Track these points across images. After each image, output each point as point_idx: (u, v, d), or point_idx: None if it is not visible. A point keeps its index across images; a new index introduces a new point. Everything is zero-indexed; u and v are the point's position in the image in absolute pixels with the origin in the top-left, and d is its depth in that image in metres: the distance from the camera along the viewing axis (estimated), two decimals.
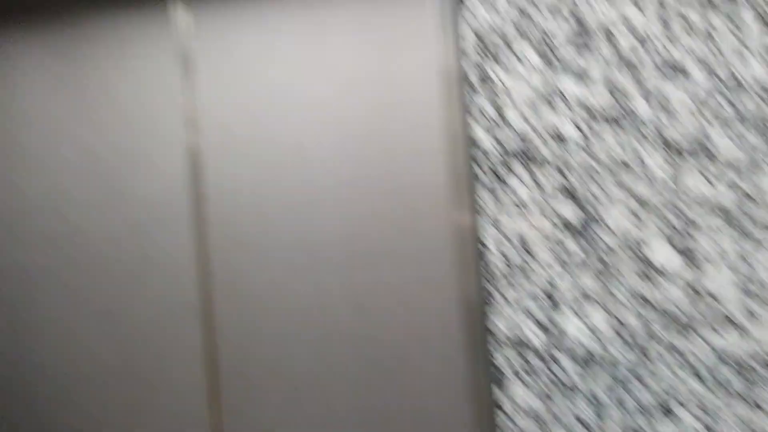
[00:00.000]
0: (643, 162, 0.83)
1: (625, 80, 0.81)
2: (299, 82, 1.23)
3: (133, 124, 1.28)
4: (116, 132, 1.28)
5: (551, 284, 0.88)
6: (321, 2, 1.22)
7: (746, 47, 0.80)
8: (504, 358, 0.92)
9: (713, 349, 0.83)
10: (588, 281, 0.86)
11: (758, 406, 0.82)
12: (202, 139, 1.26)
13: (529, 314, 0.89)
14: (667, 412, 0.85)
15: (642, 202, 0.82)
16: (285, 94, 1.24)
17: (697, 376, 0.84)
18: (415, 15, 1.20)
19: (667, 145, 0.81)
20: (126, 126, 1.28)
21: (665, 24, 0.81)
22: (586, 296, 0.87)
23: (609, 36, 0.81)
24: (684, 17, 0.81)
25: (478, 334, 0.98)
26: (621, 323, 0.86)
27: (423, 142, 1.18)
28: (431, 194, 1.16)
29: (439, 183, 1.15)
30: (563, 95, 0.84)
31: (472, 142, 0.86)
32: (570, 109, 0.84)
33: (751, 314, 0.82)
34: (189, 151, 1.26)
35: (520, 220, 0.88)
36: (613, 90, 0.81)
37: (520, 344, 0.91)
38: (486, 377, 0.97)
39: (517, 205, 0.87)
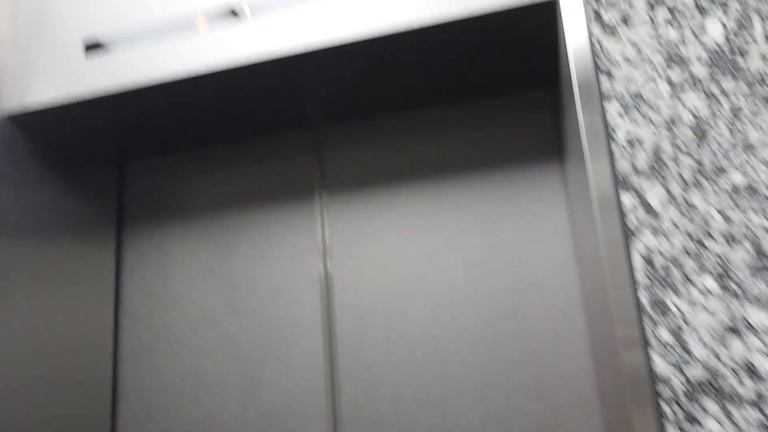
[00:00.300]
0: None
1: None
2: (433, 269, 1.25)
3: (274, 313, 1.32)
4: (257, 320, 1.33)
5: None
6: (455, 199, 1.27)
7: None
8: None
9: None
10: None
11: None
12: (339, 327, 1.28)
13: None
14: None
15: None
16: (419, 282, 1.26)
17: None
18: (548, 213, 1.21)
19: None
20: (266, 314, 1.33)
21: None
22: None
23: None
24: None
25: None
26: None
27: (569, 356, 1.14)
28: (580, 401, 1.10)
29: (589, 395, 1.09)
30: (748, 323, 0.79)
31: (648, 372, 0.82)
32: (758, 338, 0.78)
33: None
34: (326, 340, 1.28)
35: None
36: None
37: None
38: None
39: None
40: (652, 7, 0.90)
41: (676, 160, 0.85)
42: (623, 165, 0.85)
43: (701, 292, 0.81)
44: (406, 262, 1.28)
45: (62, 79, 1.16)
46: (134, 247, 1.46)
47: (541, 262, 1.21)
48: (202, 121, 1.31)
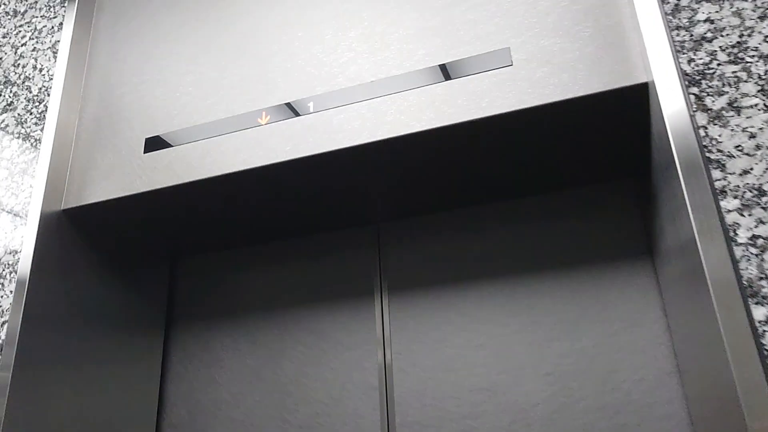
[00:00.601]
0: None
1: None
2: (507, 380, 1.10)
3: (328, 427, 1.19)
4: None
5: None
6: (531, 300, 1.14)
7: None
8: None
9: None
10: None
11: None
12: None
13: None
14: None
15: None
16: (491, 394, 1.10)
17: None
18: (641, 318, 1.06)
19: None
20: (320, 428, 1.19)
21: None
22: None
23: None
24: None
25: None
26: None
27: None
28: None
29: None
30: None
31: None
32: None
33: None
34: None
35: None
36: None
37: None
38: None
39: None
40: (763, 90, 0.79)
41: None
42: (751, 271, 0.72)
43: None
44: (475, 371, 1.13)
45: (120, 175, 1.13)
46: (181, 349, 1.37)
47: (636, 374, 1.04)
48: (258, 217, 1.25)
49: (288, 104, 1.06)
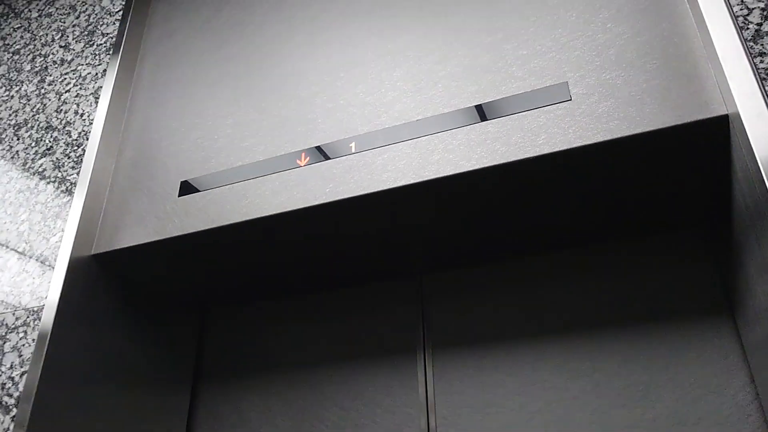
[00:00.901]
0: None
1: None
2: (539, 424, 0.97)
3: None
4: None
5: None
6: (593, 362, 1.02)
7: None
8: None
9: None
10: None
11: None
12: None
13: None
14: None
15: None
16: None
17: None
18: (721, 382, 0.93)
19: None
20: None
21: None
22: None
23: None
24: None
25: None
26: None
27: None
28: None
29: None
30: None
31: None
32: None
33: None
34: None
35: None
36: None
37: None
38: None
39: None
40: None
41: None
42: None
43: None
44: (508, 418, 1.01)
45: (153, 219, 1.08)
46: (207, 408, 1.27)
47: None
48: (294, 266, 1.18)
49: (328, 145, 1.00)
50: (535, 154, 0.84)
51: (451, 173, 0.88)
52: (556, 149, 0.83)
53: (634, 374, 0.99)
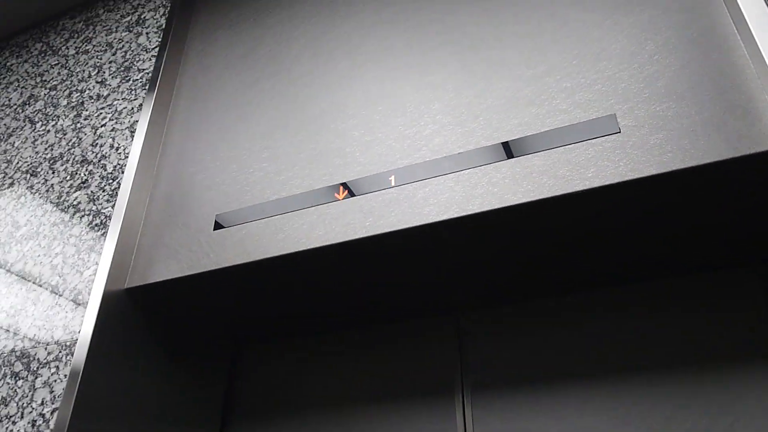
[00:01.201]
0: None
1: None
2: None
3: None
4: None
5: None
6: (644, 403, 0.97)
7: None
8: None
9: None
10: None
11: None
12: None
13: None
14: None
15: None
16: None
17: None
18: None
19: None
20: None
21: None
22: None
23: None
24: None
25: None
26: None
27: None
28: None
29: None
30: None
31: None
32: None
33: None
34: None
35: None
36: None
37: None
38: None
39: None
40: None
41: None
42: None
43: None
44: None
45: (187, 253, 1.07)
46: None
47: None
48: (329, 302, 1.15)
49: (367, 178, 0.99)
50: (585, 188, 0.81)
51: (497, 207, 0.85)
52: (607, 182, 0.80)
53: (689, 421, 0.93)
